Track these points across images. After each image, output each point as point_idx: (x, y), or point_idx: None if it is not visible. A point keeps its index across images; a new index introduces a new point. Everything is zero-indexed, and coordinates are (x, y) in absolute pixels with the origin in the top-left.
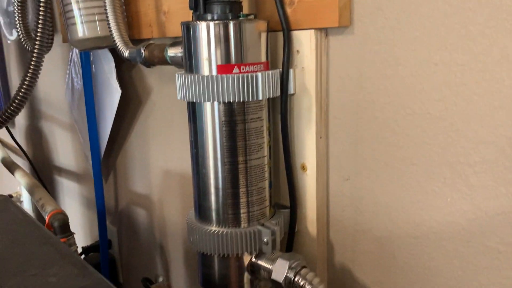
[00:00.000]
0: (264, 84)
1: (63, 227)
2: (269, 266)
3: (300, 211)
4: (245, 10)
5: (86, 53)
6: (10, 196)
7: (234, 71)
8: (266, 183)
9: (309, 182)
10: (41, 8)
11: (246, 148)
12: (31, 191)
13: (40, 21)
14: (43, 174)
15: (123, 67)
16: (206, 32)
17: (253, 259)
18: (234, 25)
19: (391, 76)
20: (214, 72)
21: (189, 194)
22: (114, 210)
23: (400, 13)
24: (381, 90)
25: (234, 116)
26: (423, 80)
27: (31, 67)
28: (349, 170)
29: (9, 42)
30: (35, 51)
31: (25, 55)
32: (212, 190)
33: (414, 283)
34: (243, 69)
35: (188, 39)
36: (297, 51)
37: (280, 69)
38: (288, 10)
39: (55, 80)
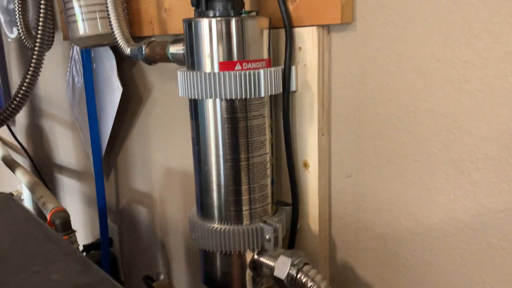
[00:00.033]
0: (266, 81)
1: (65, 225)
2: (271, 263)
3: (302, 208)
4: (247, 7)
5: (87, 51)
6: (11, 194)
7: (236, 68)
8: (268, 180)
9: (311, 179)
10: (41, 6)
11: (248, 145)
12: (32, 189)
13: (40, 19)
14: (44, 172)
15: (124, 65)
16: (208, 29)
17: (255, 256)
18: (236, 22)
19: (393, 73)
20: (216, 69)
21: (190, 192)
22: (115, 208)
23: (402, 10)
24: (384, 86)
25: (236, 113)
26: (426, 77)
27: (31, 65)
28: (351, 167)
29: (9, 40)
30: (35, 49)
31: (26, 53)
32: (214, 187)
33: (416, 280)
34: (245, 66)
35: (190, 36)
36: (299, 48)
37: (282, 66)
38: (290, 7)
39: (56, 78)
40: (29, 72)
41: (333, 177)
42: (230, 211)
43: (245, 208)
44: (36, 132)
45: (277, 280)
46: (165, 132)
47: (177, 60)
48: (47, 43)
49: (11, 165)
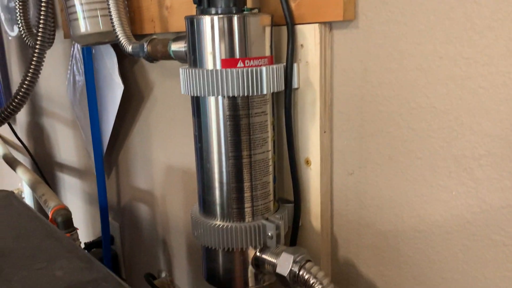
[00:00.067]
0: (269, 78)
1: (66, 223)
2: (273, 260)
3: (304, 205)
4: (249, 4)
5: (88, 49)
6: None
7: (238, 65)
8: (270, 177)
9: (313, 177)
10: (42, 4)
11: (250, 143)
12: (33, 187)
13: (41, 17)
14: (45, 170)
15: (125, 63)
16: (210, 26)
17: (258, 253)
18: (238, 19)
19: (395, 70)
20: (219, 66)
21: (192, 189)
22: (117, 206)
23: (405, 7)
24: (386, 84)
25: (239, 111)
26: (428, 74)
27: (32, 63)
28: (353, 164)
29: (10, 38)
30: (36, 47)
31: (26, 51)
32: (217, 184)
33: (418, 277)
34: (247, 63)
35: (192, 34)
36: (301, 45)
37: (284, 64)
38: (292, 4)
39: (57, 76)
40: (30, 70)
41: (335, 175)
42: (232, 208)
43: (247, 205)
44: (36, 130)
45: (280, 277)
46: (166, 130)
47: (179, 57)
48: (48, 41)
49: (12, 163)
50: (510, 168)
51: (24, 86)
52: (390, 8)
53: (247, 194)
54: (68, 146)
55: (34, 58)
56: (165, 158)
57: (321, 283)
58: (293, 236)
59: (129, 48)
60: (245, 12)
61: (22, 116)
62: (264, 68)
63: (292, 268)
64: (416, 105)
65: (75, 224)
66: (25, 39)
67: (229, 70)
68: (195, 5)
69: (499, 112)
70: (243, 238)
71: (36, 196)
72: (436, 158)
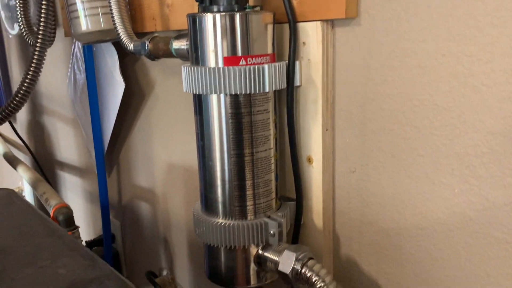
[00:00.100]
0: (271, 76)
1: (68, 221)
2: (276, 258)
3: (306, 203)
4: (251, 1)
5: (89, 47)
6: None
7: (240, 63)
8: (273, 175)
9: (315, 175)
10: (43, 2)
11: (252, 141)
12: (34, 185)
13: (42, 15)
14: (45, 169)
15: (126, 61)
16: (212, 24)
17: (260, 251)
18: (241, 17)
19: (398, 68)
20: (221, 64)
21: (193, 187)
22: (118, 204)
23: (407, 4)
24: (388, 81)
25: (241, 108)
26: (431, 71)
27: (33, 61)
28: (356, 162)
29: (10, 36)
30: (37, 45)
31: (27, 49)
32: (219, 182)
33: (420, 275)
34: (249, 61)
35: (194, 31)
36: (303, 43)
37: (286, 61)
38: (294, 2)
39: (57, 74)
40: (31, 69)
41: (337, 172)
42: (235, 206)
43: (249, 203)
44: (37, 128)
45: (282, 274)
46: (167, 128)
47: (181, 55)
48: (49, 39)
49: (13, 161)
50: None
51: (25, 84)
52: (393, 5)
53: (249, 192)
54: (68, 144)
55: (35, 57)
56: (166, 156)
57: (323, 281)
58: (295, 234)
59: (130, 46)
60: (247, 10)
61: (22, 115)
62: (266, 66)
63: (295, 266)
64: (418, 102)
65: (76, 223)
66: (25, 37)
67: (231, 68)
68: (197, 3)
69: (502, 110)
70: (245, 236)
71: (37, 195)
72: (439, 156)
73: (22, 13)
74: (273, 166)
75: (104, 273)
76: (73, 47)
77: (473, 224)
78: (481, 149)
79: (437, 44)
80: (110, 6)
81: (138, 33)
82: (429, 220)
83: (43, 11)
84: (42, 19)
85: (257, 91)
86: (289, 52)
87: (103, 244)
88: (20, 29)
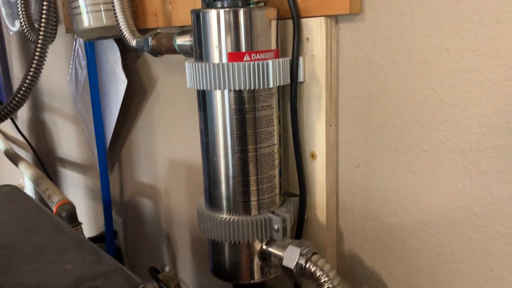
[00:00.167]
0: (275, 72)
1: (71, 217)
2: (280, 253)
3: (310, 199)
4: None
5: (91, 43)
6: None
7: (244, 58)
8: (276, 171)
9: (318, 170)
10: None
11: (256, 136)
12: (36, 182)
13: (43, 11)
14: (47, 166)
15: (128, 57)
16: (216, 20)
17: (264, 246)
18: (244, 13)
19: (402, 63)
20: (225, 60)
21: (196, 184)
22: (120, 201)
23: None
24: (392, 77)
25: (245, 104)
26: (435, 67)
27: (35, 58)
28: (359, 158)
29: (11, 33)
30: (39, 41)
31: (27, 46)
32: (223, 178)
33: (424, 269)
34: (253, 56)
35: (198, 27)
36: (307, 38)
37: (290, 57)
38: None
39: (58, 71)
40: (33, 65)
41: (340, 168)
42: (239, 202)
43: (253, 198)
44: (38, 125)
45: (286, 269)
46: (169, 124)
47: (184, 51)
48: (50, 36)
49: (14, 158)
50: None
51: (27, 81)
52: (396, 1)
53: (253, 188)
54: (70, 141)
55: (36, 53)
56: (168, 153)
57: (327, 276)
58: (299, 229)
59: (133, 43)
60: (251, 6)
61: (23, 112)
62: (270, 62)
63: (299, 261)
64: (422, 98)
65: (78, 219)
66: (27, 34)
67: (235, 63)
68: None
69: (506, 105)
70: (249, 231)
71: (40, 191)
72: (443, 151)
73: (23, 9)
74: (276, 162)
75: (110, 268)
76: (74, 43)
77: (477, 219)
78: (485, 144)
79: (441, 39)
80: (113, 3)
81: (140, 30)
82: (433, 215)
83: (44, 7)
84: (43, 16)
85: (261, 87)
86: (292, 48)
87: (105, 241)
88: (21, 26)
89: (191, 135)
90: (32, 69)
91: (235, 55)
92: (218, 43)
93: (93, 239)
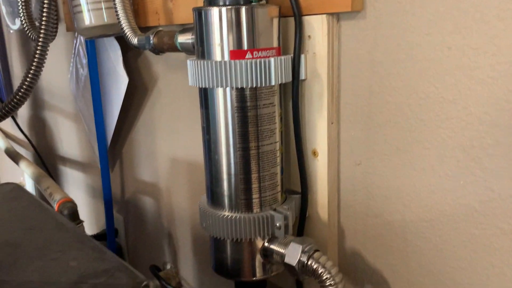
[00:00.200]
0: (277, 70)
1: (73, 215)
2: (282, 250)
3: (311, 196)
4: None
5: (92, 41)
6: None
7: (246, 56)
8: (278, 168)
9: (320, 168)
10: None
11: (258, 134)
12: (37, 180)
13: (44, 9)
14: (47, 164)
15: (129, 55)
16: (218, 18)
17: (266, 244)
18: (246, 10)
19: (404, 61)
20: (227, 58)
21: (197, 182)
22: (121, 199)
23: None
24: (394, 74)
25: (247, 102)
26: (437, 64)
27: (36, 56)
28: (361, 155)
29: (11, 31)
30: (39, 40)
31: (27, 45)
32: (225, 176)
33: (426, 266)
34: (255, 54)
35: (200, 25)
36: (309, 36)
37: (292, 55)
38: None
39: (58, 69)
40: (33, 64)
41: (342, 166)
42: (241, 199)
43: (255, 196)
44: (38, 124)
45: (288, 266)
46: (170, 122)
47: (186, 49)
48: (51, 34)
49: (15, 157)
50: None
51: (27, 80)
52: None
53: (255, 185)
54: (71, 139)
55: (37, 51)
56: (169, 151)
57: (329, 273)
58: (300, 226)
59: (134, 41)
60: (253, 3)
61: (24, 110)
62: (272, 59)
63: (301, 258)
64: (424, 95)
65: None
66: (27, 32)
67: (237, 61)
68: None
69: (508, 102)
70: (251, 228)
71: (41, 189)
72: (444, 148)
73: (23, 8)
74: (278, 160)
75: (114, 265)
76: (75, 42)
77: (479, 215)
78: (486, 141)
79: (442, 37)
80: (114, 0)
81: (141, 28)
82: (434, 212)
83: (45, 5)
84: (44, 14)
85: (263, 85)
86: (294, 45)
87: (106, 239)
88: (22, 24)
89: (192, 133)
90: (33, 68)
91: (237, 53)
92: (220, 40)
93: (94, 237)
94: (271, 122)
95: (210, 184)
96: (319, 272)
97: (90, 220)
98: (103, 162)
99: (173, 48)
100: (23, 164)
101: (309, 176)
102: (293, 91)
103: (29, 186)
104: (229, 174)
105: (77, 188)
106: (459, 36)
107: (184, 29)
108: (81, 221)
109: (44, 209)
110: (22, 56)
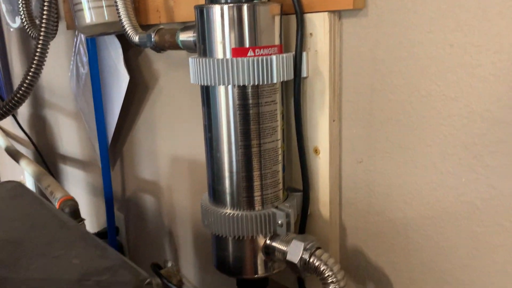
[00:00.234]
0: (279, 67)
1: (74, 213)
2: (284, 248)
3: (313, 194)
4: None
5: (93, 39)
6: None
7: (248, 54)
8: (280, 166)
9: (321, 165)
10: None
11: (260, 132)
12: (38, 179)
13: (45, 8)
14: (48, 162)
15: (130, 53)
16: (220, 15)
17: (268, 241)
18: (248, 8)
19: (405, 58)
20: (229, 56)
21: (198, 180)
22: (121, 197)
23: None
24: (395, 72)
25: (248, 100)
26: (438, 62)
27: (36, 54)
28: (362, 153)
29: (11, 30)
30: (40, 38)
31: (28, 43)
32: (227, 173)
33: (427, 264)
34: (257, 52)
35: (201, 23)
36: (310, 34)
37: (294, 52)
38: None
39: (59, 68)
40: (34, 62)
41: (344, 163)
42: (242, 197)
43: (257, 194)
44: (39, 122)
45: (290, 264)
46: (171, 120)
47: (187, 47)
48: (51, 32)
49: (15, 155)
50: None
51: (28, 78)
52: None
53: (256, 183)
54: (71, 138)
55: (37, 50)
56: (170, 149)
57: (331, 270)
58: (302, 224)
59: (136, 39)
60: (254, 1)
61: (24, 108)
62: (274, 57)
63: (303, 256)
64: (426, 93)
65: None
66: (28, 30)
67: (239, 59)
68: None
69: (510, 100)
70: (253, 226)
71: (42, 188)
72: (446, 146)
73: (24, 6)
74: (280, 157)
75: (117, 263)
76: (75, 40)
77: (480, 213)
78: (488, 138)
79: (444, 34)
80: None
81: (142, 26)
82: (436, 210)
83: (45, 4)
84: (44, 12)
85: (265, 82)
86: (296, 43)
87: (107, 237)
88: (22, 22)
89: (193, 131)
90: (33, 66)
91: (239, 51)
92: (222, 38)
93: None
94: (273, 119)
95: (212, 182)
96: (321, 269)
97: (91, 219)
98: (104, 160)
99: (175, 46)
100: (23, 163)
101: (310, 173)
102: (294, 88)
103: (29, 184)
104: (231, 172)
105: (78, 186)
106: (461, 34)
107: (186, 27)
108: (83, 219)
109: (46, 207)
110: (22, 54)
